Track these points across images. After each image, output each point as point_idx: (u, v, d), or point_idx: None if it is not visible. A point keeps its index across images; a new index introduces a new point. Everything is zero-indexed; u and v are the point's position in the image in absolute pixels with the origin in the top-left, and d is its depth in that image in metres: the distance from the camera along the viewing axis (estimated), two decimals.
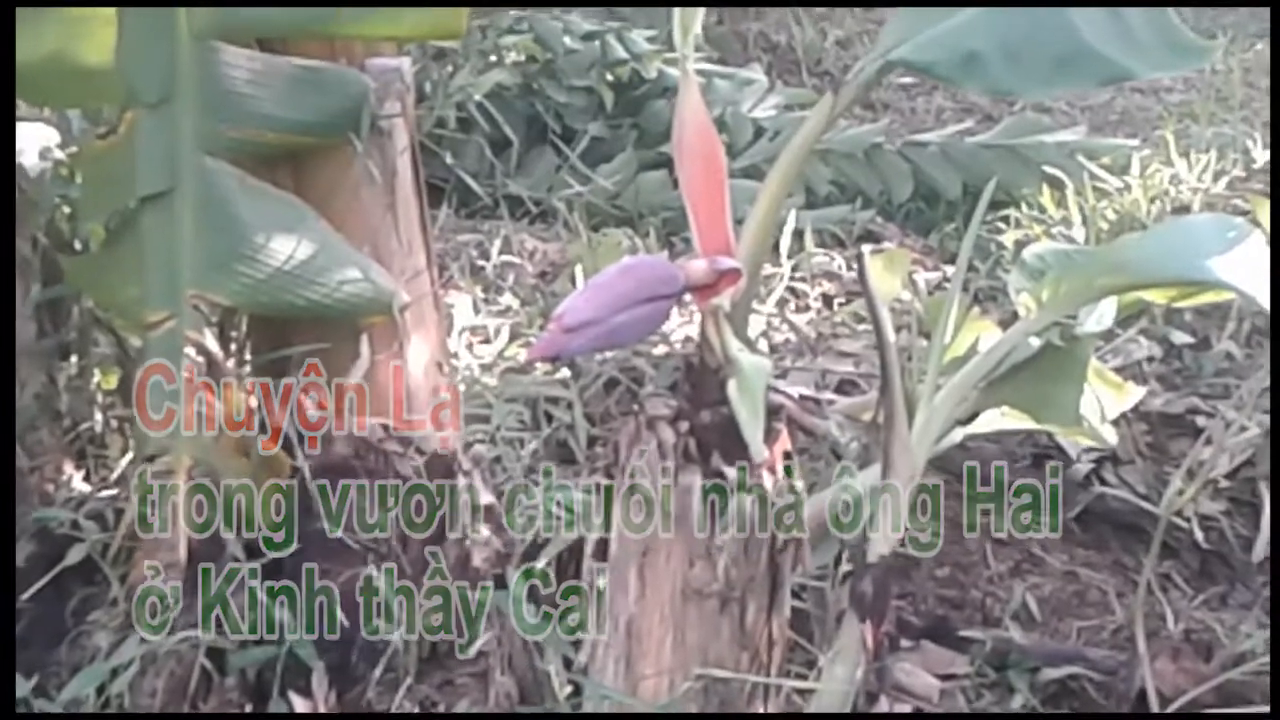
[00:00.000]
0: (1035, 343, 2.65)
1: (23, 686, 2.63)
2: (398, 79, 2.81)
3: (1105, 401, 2.84)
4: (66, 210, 3.36)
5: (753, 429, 1.96)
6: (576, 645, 2.52)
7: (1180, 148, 5.37)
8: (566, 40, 6.22)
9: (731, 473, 2.10)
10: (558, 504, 2.89)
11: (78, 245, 3.30)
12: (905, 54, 2.10)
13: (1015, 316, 2.68)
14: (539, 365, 3.81)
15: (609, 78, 6.24)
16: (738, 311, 2.10)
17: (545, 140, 6.08)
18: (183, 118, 2.60)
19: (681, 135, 2.10)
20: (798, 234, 4.82)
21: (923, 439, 2.45)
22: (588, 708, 2.32)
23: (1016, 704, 2.83)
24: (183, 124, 2.60)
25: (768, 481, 2.13)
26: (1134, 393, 2.94)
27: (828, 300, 4.70)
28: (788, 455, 2.19)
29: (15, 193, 2.94)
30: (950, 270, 4.88)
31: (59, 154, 3.42)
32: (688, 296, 2.06)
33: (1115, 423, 2.99)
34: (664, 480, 2.12)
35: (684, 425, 2.12)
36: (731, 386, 1.99)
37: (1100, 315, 2.76)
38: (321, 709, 2.58)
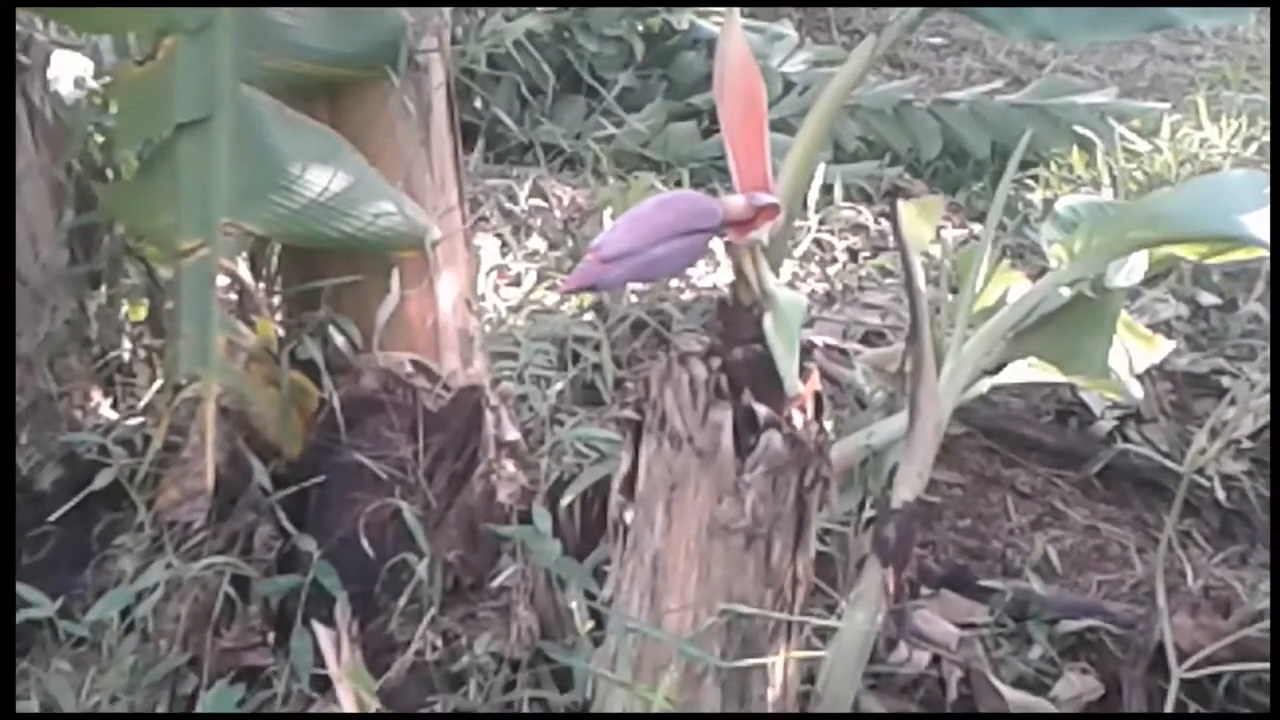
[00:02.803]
0: (1066, 294, 2.65)
1: (48, 608, 2.64)
2: (435, 14, 2.80)
3: (1134, 354, 2.85)
4: (100, 139, 3.37)
5: (788, 363, 1.96)
6: (600, 580, 2.54)
7: (1211, 113, 5.35)
8: None
9: (762, 410, 2.10)
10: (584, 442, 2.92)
11: (110, 174, 3.31)
12: None
13: (1043, 273, 2.69)
14: (566, 306, 3.82)
15: (640, 28, 6.21)
16: (774, 248, 2.10)
17: (575, 88, 6.05)
18: (221, 45, 2.61)
19: (723, 72, 2.09)
20: (825, 188, 4.82)
21: (950, 387, 2.46)
22: (611, 641, 2.33)
23: (1035, 654, 2.84)
24: (221, 52, 2.61)
25: (798, 419, 2.14)
26: (1163, 345, 2.94)
27: (853, 254, 4.70)
28: (818, 395, 2.19)
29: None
30: (977, 228, 4.89)
31: (93, 83, 3.43)
32: (725, 233, 2.06)
33: (1140, 380, 3.00)
34: (694, 416, 2.12)
35: (716, 361, 2.12)
36: (768, 320, 1.99)
37: (1130, 270, 2.76)
38: (344, 638, 2.59)
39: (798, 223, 4.55)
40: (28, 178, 3.02)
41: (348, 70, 2.73)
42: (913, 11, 2.13)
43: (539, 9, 6.00)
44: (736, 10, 2.10)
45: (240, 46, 2.61)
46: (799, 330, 1.98)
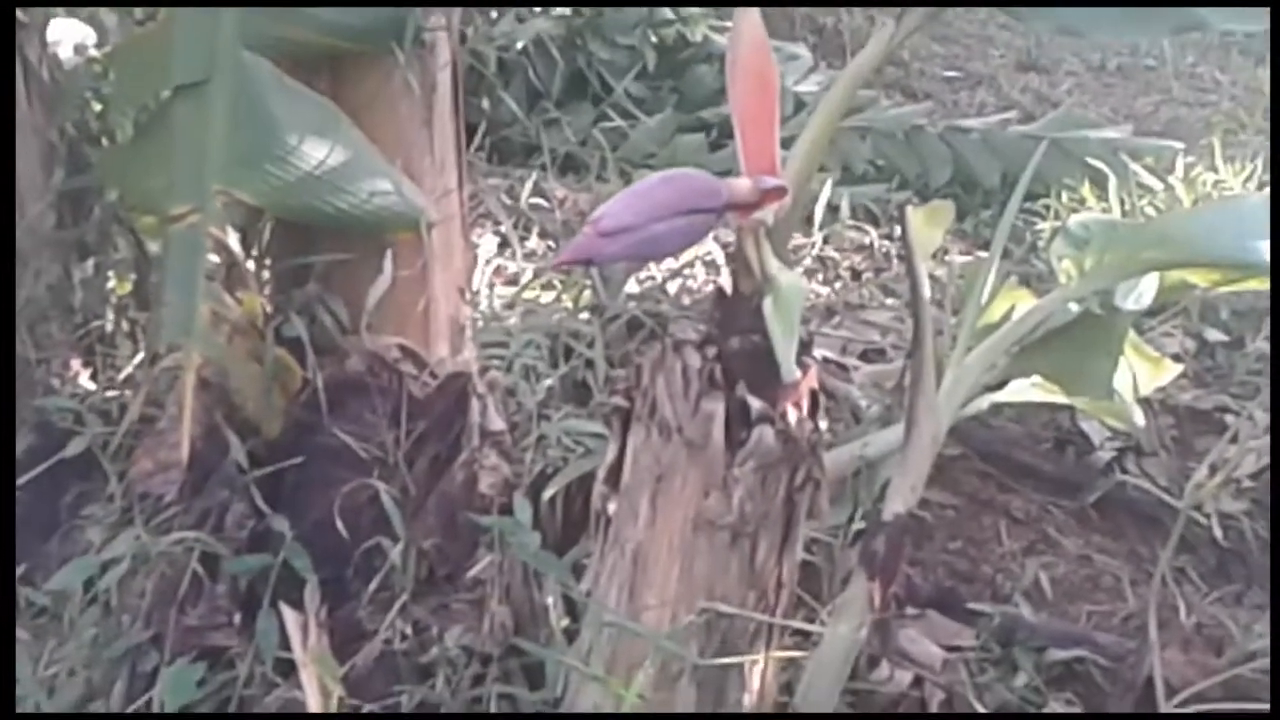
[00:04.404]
0: (1074, 311, 2.59)
1: None
2: None
3: (1140, 377, 2.78)
4: (96, 106, 3.33)
5: (786, 347, 1.89)
6: (579, 577, 2.47)
7: (1225, 156, 5.29)
8: None
9: (756, 403, 2.04)
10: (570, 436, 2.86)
11: (104, 141, 3.26)
12: None
13: None
14: (561, 303, 3.77)
15: (653, 38, 6.16)
16: (779, 232, 2.03)
17: (583, 94, 5.99)
18: (224, 9, 2.55)
19: (737, 51, 2.03)
20: (832, 207, 4.76)
21: (949, 400, 2.40)
22: (586, 634, 2.26)
23: (1020, 682, 2.78)
24: (224, 16, 2.54)
25: (792, 416, 2.07)
26: (1170, 369, 2.88)
27: (856, 273, 4.65)
28: (814, 393, 2.13)
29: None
30: (984, 255, 4.82)
31: (94, 52, 3.39)
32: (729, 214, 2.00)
33: (1141, 413, 2.94)
34: (686, 405, 2.06)
35: (711, 350, 2.06)
36: (767, 303, 1.93)
37: (1139, 294, 2.69)
38: (312, 623, 2.52)
39: (802, 239, 4.50)
40: (19, 136, 2.97)
41: (352, 43, 2.67)
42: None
43: (551, 10, 5.96)
44: None
45: (243, 11, 2.55)
46: (799, 314, 1.92)
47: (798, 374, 1.96)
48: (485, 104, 5.61)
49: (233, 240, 2.75)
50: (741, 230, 2.00)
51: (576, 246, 1.91)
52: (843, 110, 2.13)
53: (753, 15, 2.04)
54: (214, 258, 2.65)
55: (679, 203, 1.92)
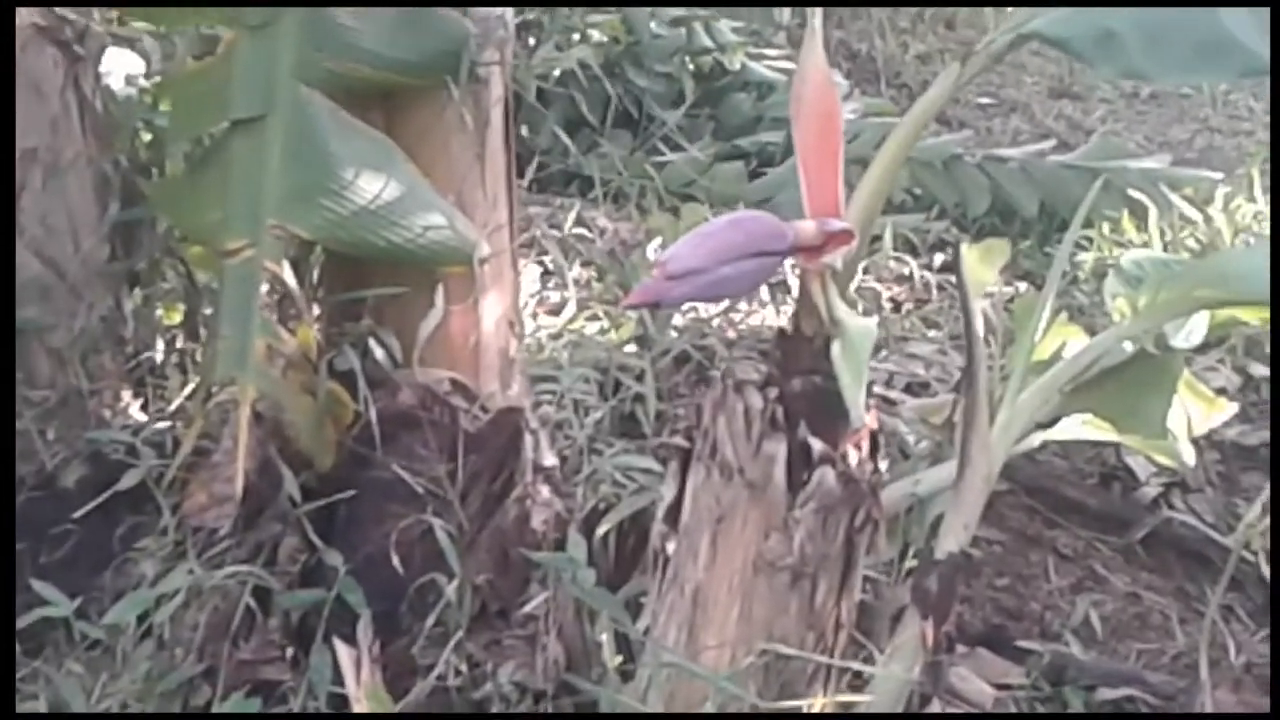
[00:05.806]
0: (1128, 349, 2.59)
1: (65, 608, 2.58)
2: (500, 26, 2.75)
3: (1194, 414, 2.78)
4: (148, 137, 3.35)
5: (854, 393, 1.89)
6: (632, 614, 2.47)
7: (1264, 186, 5.26)
8: (653, 25, 6.15)
9: (818, 444, 2.04)
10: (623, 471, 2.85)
11: (156, 172, 3.28)
12: (1040, 27, 2.03)
13: (1093, 334, 2.63)
14: (608, 336, 3.76)
15: (691, 66, 6.19)
16: (843, 273, 2.04)
17: (623, 122, 6.01)
18: (283, 44, 2.58)
19: (801, 90, 2.04)
20: (873, 237, 4.75)
21: (1003, 438, 2.41)
22: (643, 674, 2.26)
23: None
24: (282, 50, 2.57)
25: (852, 457, 2.08)
26: (1226, 408, 2.87)
27: (897, 305, 4.64)
28: (874, 435, 2.13)
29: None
30: (1024, 287, 4.82)
31: (144, 82, 3.41)
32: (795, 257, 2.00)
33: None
34: (747, 446, 2.06)
35: (773, 392, 2.07)
36: (835, 348, 1.93)
37: (1190, 332, 2.69)
38: (365, 658, 2.53)
39: None
40: (74, 169, 3.01)
41: (408, 78, 2.68)
42: (1002, 42, 2.07)
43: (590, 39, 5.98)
44: (819, 28, 2.04)
45: (302, 46, 2.58)
46: (868, 359, 1.92)
47: (867, 419, 1.97)
48: (525, 132, 5.62)
49: (286, 273, 2.76)
50: (807, 272, 2.00)
51: (645, 289, 1.92)
52: (906, 152, 2.13)
53: (818, 54, 2.05)
54: (265, 288, 2.66)
55: (746, 245, 1.93)
